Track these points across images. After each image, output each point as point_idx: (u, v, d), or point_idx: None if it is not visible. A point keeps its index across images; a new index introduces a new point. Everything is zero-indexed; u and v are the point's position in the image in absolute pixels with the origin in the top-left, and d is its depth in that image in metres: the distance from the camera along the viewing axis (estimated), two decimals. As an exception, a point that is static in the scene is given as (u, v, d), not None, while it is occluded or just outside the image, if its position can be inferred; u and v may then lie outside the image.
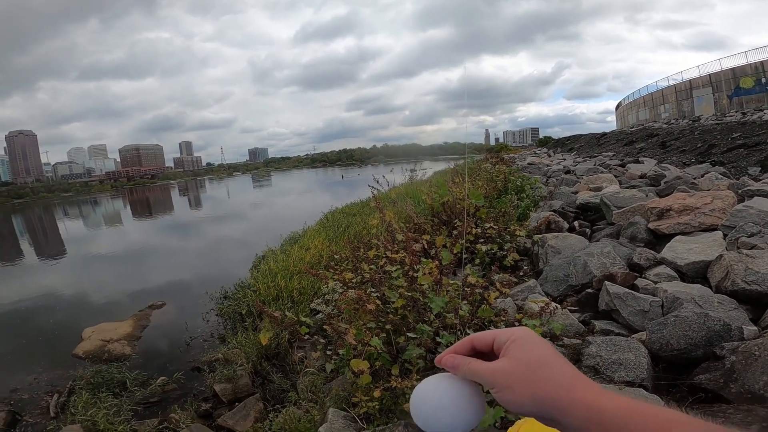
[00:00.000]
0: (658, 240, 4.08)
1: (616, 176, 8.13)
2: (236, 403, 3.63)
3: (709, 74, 27.62)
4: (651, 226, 4.20)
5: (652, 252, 3.66)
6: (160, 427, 3.42)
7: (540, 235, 4.34)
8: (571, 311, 2.94)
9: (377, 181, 10.24)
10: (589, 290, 3.23)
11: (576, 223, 5.26)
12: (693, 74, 29.53)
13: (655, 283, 3.12)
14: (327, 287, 2.71)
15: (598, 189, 6.70)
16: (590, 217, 5.59)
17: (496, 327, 2.52)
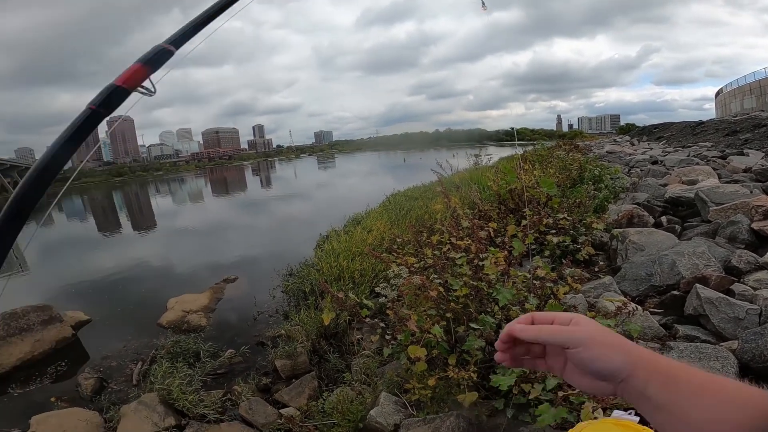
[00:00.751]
0: (761, 242, 3.60)
1: (714, 169, 7.20)
2: (293, 380, 3.75)
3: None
4: (755, 226, 3.69)
5: (754, 255, 3.22)
6: (224, 398, 3.57)
7: (620, 230, 3.99)
8: (652, 313, 2.69)
9: (440, 166, 10.09)
10: (675, 292, 2.93)
11: (663, 219, 4.76)
12: (808, 60, 24.98)
13: (755, 289, 2.77)
14: (392, 271, 2.71)
15: (693, 182, 5.99)
16: (681, 213, 5.02)
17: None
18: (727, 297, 2.58)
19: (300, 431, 2.51)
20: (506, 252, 2.42)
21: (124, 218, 24.13)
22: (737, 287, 2.80)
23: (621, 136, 36.37)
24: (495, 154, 17.15)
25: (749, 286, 2.82)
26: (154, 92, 0.92)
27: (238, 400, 3.49)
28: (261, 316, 5.60)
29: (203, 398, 3.50)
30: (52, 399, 3.98)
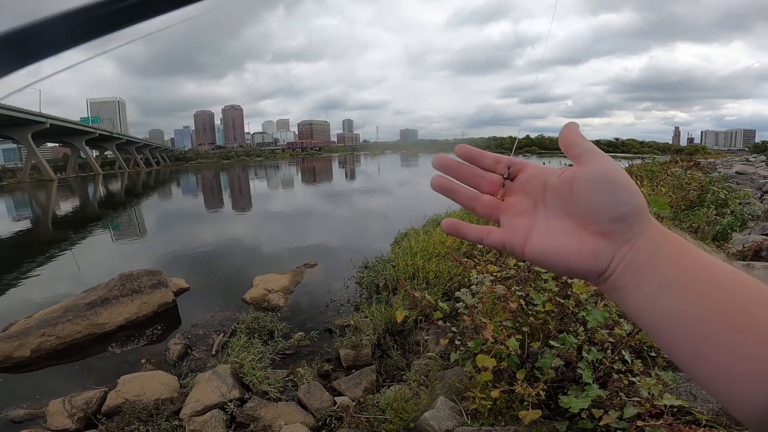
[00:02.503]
0: None
1: None
2: (353, 370, 3.82)
3: None
4: None
5: None
6: (287, 378, 3.74)
7: (744, 263, 3.40)
8: None
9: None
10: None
11: (804, 256, 3.94)
12: None
13: None
14: (474, 277, 2.63)
15: None
16: (830, 252, 4.12)
17: (657, 354, 2.11)
18: None
19: (351, 421, 2.54)
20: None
21: (226, 197, 26.95)
22: None
23: (755, 155, 30.99)
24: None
25: None
26: None
27: (299, 383, 3.65)
28: (333, 303, 5.80)
29: (269, 376, 3.72)
30: (143, 361, 4.48)
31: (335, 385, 3.66)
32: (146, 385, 3.72)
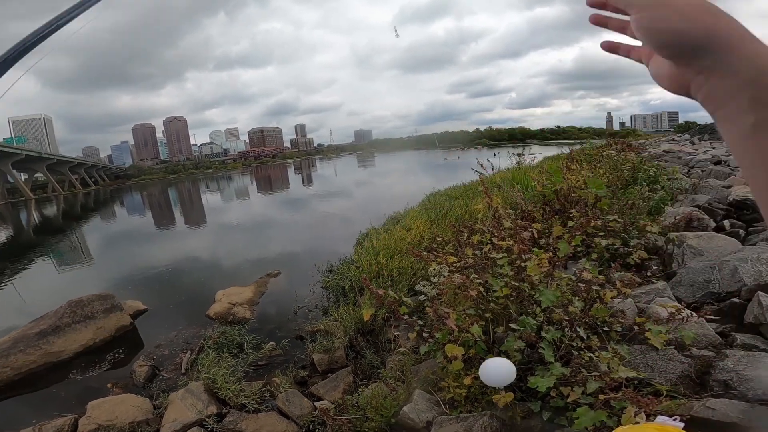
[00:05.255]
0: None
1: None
2: (329, 374, 3.84)
3: None
4: (835, 232, 3.34)
5: (828, 264, 2.92)
6: (263, 389, 3.70)
7: (677, 233, 3.75)
8: (708, 320, 2.52)
9: (481, 165, 9.90)
10: (735, 300, 2.74)
11: (726, 222, 4.42)
12: None
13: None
14: (433, 269, 2.72)
15: (760, 183, 5.50)
16: (746, 217, 4.64)
17: (611, 329, 2.29)
18: (796, 307, 2.37)
19: (333, 424, 2.57)
20: (551, 253, 2.35)
21: (177, 213, 25.68)
22: (807, 297, 2.56)
23: (680, 134, 33.93)
24: (539, 153, 16.60)
25: (821, 297, 2.57)
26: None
27: (276, 392, 3.61)
28: (301, 310, 5.74)
29: (244, 388, 3.66)
30: (109, 385, 4.30)
31: (313, 390, 3.65)
32: (117, 408, 3.57)
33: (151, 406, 3.69)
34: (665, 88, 0.41)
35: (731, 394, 1.85)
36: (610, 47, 0.48)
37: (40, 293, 8.41)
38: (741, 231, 4.16)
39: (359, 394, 2.95)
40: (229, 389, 3.58)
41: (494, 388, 2.06)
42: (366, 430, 2.41)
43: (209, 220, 19.49)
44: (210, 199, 33.39)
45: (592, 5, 0.45)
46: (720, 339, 2.42)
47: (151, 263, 10.04)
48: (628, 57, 0.47)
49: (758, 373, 1.86)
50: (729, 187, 5.90)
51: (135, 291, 7.44)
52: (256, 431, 3.15)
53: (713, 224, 4.38)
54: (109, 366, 4.84)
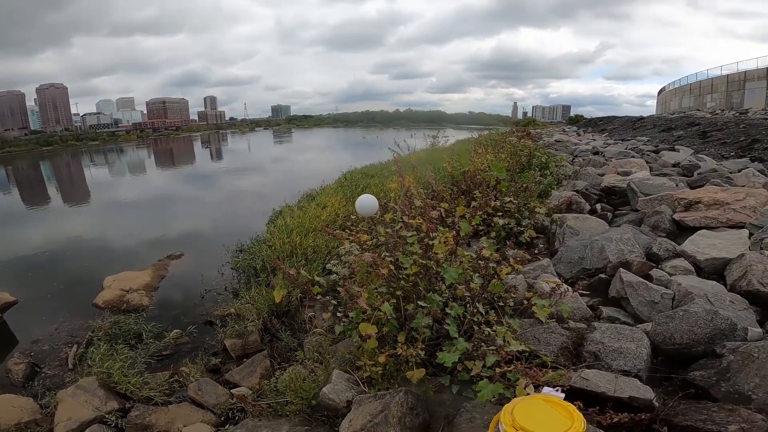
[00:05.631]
0: (681, 232, 3.98)
1: (647, 162, 7.83)
2: (244, 359, 3.71)
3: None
4: (676, 216, 4.09)
5: (673, 243, 3.58)
6: (171, 380, 3.48)
7: (560, 215, 4.27)
8: (581, 295, 2.93)
9: (398, 145, 10.13)
10: (602, 275, 3.20)
11: (598, 206, 5.14)
12: (750, 66, 27.62)
13: (671, 275, 3.08)
14: (343, 248, 2.73)
15: (627, 173, 6.48)
16: (614, 201, 5.45)
17: (505, 304, 2.53)
18: (645, 282, 2.85)
19: (253, 410, 2.51)
20: (455, 232, 2.51)
21: (53, 190, 22.00)
22: (655, 273, 3.09)
23: (569, 126, 38.26)
24: (452, 136, 17.44)
25: (666, 272, 3.13)
26: None
27: (186, 382, 3.41)
28: (209, 294, 5.45)
29: (148, 381, 3.40)
30: None
31: (228, 377, 3.51)
32: None
33: (36, 406, 3.29)
34: None
35: (599, 365, 2.09)
36: None
37: None
38: (609, 214, 4.87)
39: (277, 378, 2.90)
40: (128, 382, 3.31)
41: (407, 363, 2.17)
42: (287, 413, 2.39)
43: (94, 197, 17.05)
44: (95, 174, 29.16)
45: None
46: (590, 312, 2.81)
47: (19, 249, 8.50)
48: None
49: (620, 345, 2.19)
50: (602, 175, 6.85)
51: (0, 281, 6.31)
52: (169, 423, 2.97)
53: (588, 207, 5.06)
54: None
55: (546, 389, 1.52)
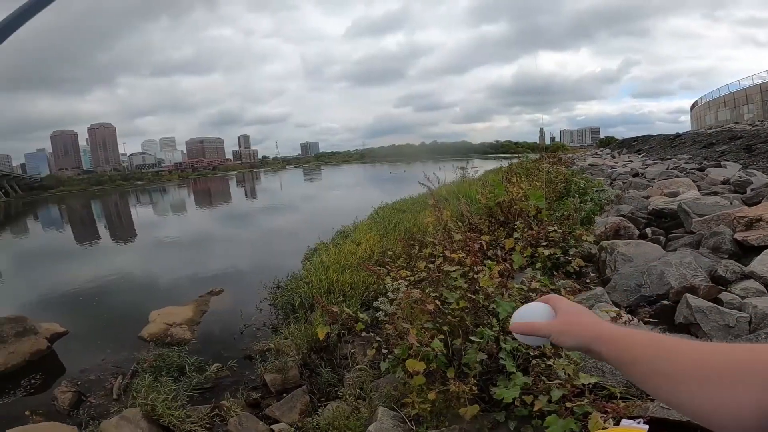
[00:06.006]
0: (744, 252, 3.69)
1: (694, 181, 7.43)
2: (284, 394, 3.66)
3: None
4: (738, 236, 3.79)
5: (739, 265, 3.30)
6: (212, 414, 3.46)
7: (608, 242, 4.06)
8: (645, 323, 2.72)
9: (428, 178, 10.15)
10: (665, 302, 2.99)
11: (648, 230, 4.86)
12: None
13: (742, 298, 2.84)
14: (390, 285, 2.68)
15: (674, 194, 6.15)
16: (665, 224, 5.14)
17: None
18: (716, 306, 2.64)
19: None
20: (505, 265, 2.41)
21: (102, 228, 23.44)
22: (725, 296, 2.86)
23: (602, 148, 37.39)
24: (480, 166, 17.38)
25: (736, 295, 2.88)
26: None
27: (227, 416, 3.38)
28: (248, 329, 5.49)
29: (190, 414, 3.38)
30: (27, 412, 3.83)
31: (268, 412, 3.44)
32: None
33: None
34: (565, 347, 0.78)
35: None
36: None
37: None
38: (662, 238, 4.59)
39: (320, 415, 2.82)
40: (172, 415, 3.28)
41: (458, 399, 2.04)
42: (330, 452, 2.29)
43: (140, 235, 17.99)
44: (141, 213, 30.99)
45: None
46: (656, 340, 2.60)
47: (71, 283, 9.06)
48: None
49: None
50: (648, 197, 6.53)
51: (52, 312, 6.67)
52: (209, 458, 2.90)
53: (638, 232, 4.80)
54: (25, 392, 4.35)
55: (625, 421, 1.37)
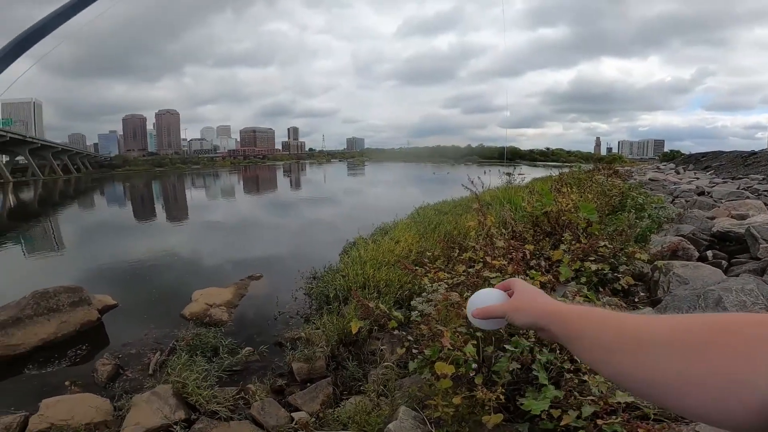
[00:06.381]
0: (817, 286, 3.30)
1: (766, 204, 6.77)
2: (308, 384, 3.69)
3: None
4: (813, 269, 3.41)
5: (810, 299, 2.96)
6: (237, 396, 3.52)
7: (664, 262, 3.78)
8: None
9: (472, 182, 9.95)
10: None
11: (709, 253, 4.49)
12: None
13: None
14: (429, 286, 2.65)
15: (743, 217, 5.63)
16: (728, 248, 4.72)
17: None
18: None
19: None
20: (549, 276, 2.32)
21: (159, 208, 25.07)
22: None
23: (665, 163, 34.94)
24: (528, 174, 16.80)
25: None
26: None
27: (251, 400, 3.45)
28: (282, 316, 5.60)
29: (217, 394, 3.48)
30: (67, 383, 4.01)
31: (291, 400, 3.50)
32: (74, 408, 3.34)
33: (111, 408, 3.47)
34: (519, 325, 0.75)
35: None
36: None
37: (3, 281, 8.00)
38: (724, 262, 4.22)
39: (341, 408, 2.83)
40: (200, 395, 3.39)
41: (482, 407, 1.99)
42: (347, 445, 2.31)
43: (192, 217, 19.08)
44: (195, 195, 32.78)
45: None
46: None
47: (126, 257, 9.70)
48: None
49: None
50: (712, 218, 6.03)
51: (106, 285, 7.08)
52: (229, 441, 2.99)
53: (697, 254, 4.44)
54: (69, 363, 4.57)
55: None
